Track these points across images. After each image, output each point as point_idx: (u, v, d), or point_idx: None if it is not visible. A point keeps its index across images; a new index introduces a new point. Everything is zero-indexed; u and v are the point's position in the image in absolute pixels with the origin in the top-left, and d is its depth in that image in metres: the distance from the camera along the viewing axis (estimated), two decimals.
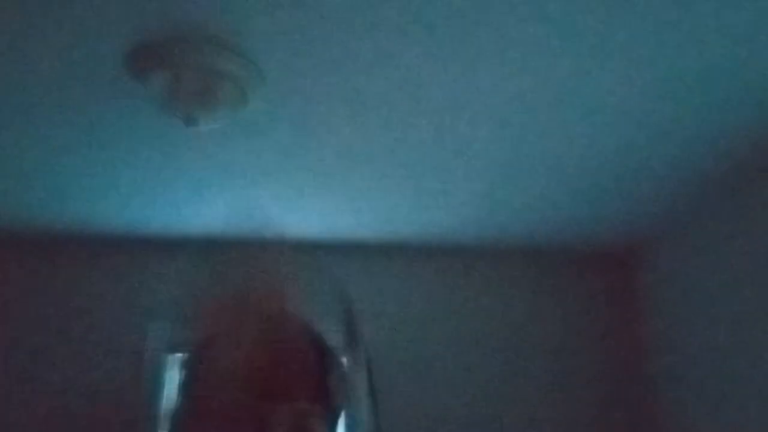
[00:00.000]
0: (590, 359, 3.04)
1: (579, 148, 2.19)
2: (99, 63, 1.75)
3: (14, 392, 2.84)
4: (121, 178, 2.43)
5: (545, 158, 2.26)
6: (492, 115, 2.00)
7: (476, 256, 3.18)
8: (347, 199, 2.59)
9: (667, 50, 1.69)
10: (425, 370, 2.98)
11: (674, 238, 2.78)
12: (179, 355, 2.95)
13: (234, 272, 0.85)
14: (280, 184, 2.47)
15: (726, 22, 1.58)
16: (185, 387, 0.83)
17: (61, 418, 2.81)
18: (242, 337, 0.79)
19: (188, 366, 0.84)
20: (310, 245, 3.09)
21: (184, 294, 3.03)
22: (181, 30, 1.63)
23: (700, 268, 2.58)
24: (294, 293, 0.88)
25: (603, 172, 2.36)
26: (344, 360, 0.86)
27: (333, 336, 0.85)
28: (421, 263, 3.15)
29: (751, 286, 2.28)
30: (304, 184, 2.47)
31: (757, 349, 2.22)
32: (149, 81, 1.74)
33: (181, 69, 1.70)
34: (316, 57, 1.72)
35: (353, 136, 2.13)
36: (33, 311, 2.97)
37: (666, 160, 2.27)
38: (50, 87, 1.87)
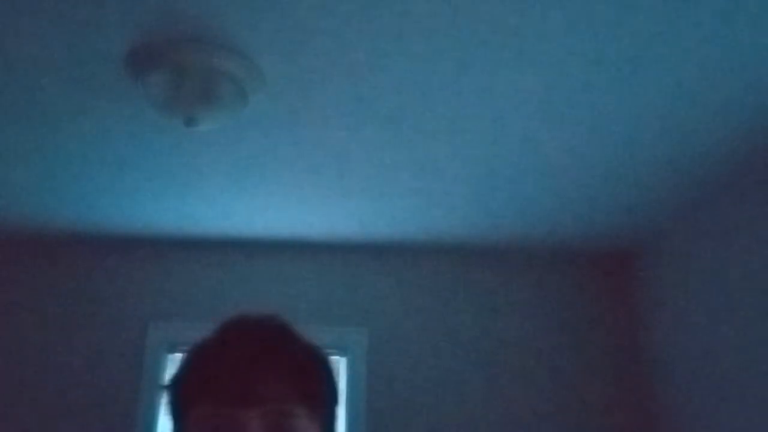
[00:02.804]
0: (590, 359, 3.04)
1: (579, 148, 2.19)
2: (99, 63, 1.75)
3: (14, 391, 2.84)
4: (121, 178, 2.43)
5: (546, 158, 2.26)
6: (492, 116, 2.00)
7: (476, 256, 3.18)
8: (347, 199, 2.59)
9: (667, 51, 1.69)
10: (425, 370, 2.98)
11: (674, 237, 2.78)
12: (179, 355, 2.95)
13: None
14: (280, 184, 2.47)
15: (727, 24, 1.59)
16: (173, 390, 0.82)
17: (60, 417, 2.81)
18: (222, 344, 0.79)
19: (176, 373, 0.83)
20: (310, 245, 3.09)
21: (185, 294, 3.04)
22: (181, 30, 1.63)
23: (700, 267, 2.58)
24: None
25: (603, 172, 2.36)
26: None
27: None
28: (421, 263, 3.15)
29: (750, 286, 2.28)
30: (304, 184, 2.47)
31: (757, 348, 2.22)
32: (149, 81, 1.74)
33: (181, 69, 1.70)
34: (316, 57, 1.72)
35: (353, 136, 2.13)
36: (33, 311, 2.97)
37: (666, 161, 2.27)
38: (50, 87, 1.87)
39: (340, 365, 2.98)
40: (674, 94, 1.88)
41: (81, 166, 2.34)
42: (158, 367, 2.88)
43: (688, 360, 2.63)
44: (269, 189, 2.51)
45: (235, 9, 1.55)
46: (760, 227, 2.24)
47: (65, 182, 2.47)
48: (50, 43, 1.67)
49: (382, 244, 3.08)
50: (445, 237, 2.99)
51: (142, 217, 2.79)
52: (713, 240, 2.50)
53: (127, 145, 2.20)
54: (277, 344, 0.78)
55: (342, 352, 2.98)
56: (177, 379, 0.81)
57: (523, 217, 2.75)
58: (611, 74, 1.79)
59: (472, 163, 2.30)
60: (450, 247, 3.13)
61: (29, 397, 2.83)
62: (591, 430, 2.93)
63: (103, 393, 2.85)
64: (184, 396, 0.78)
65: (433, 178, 2.42)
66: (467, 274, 3.15)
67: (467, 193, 2.53)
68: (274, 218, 2.78)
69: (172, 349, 2.94)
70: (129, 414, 2.82)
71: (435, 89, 1.87)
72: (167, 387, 0.83)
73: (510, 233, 2.94)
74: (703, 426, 2.51)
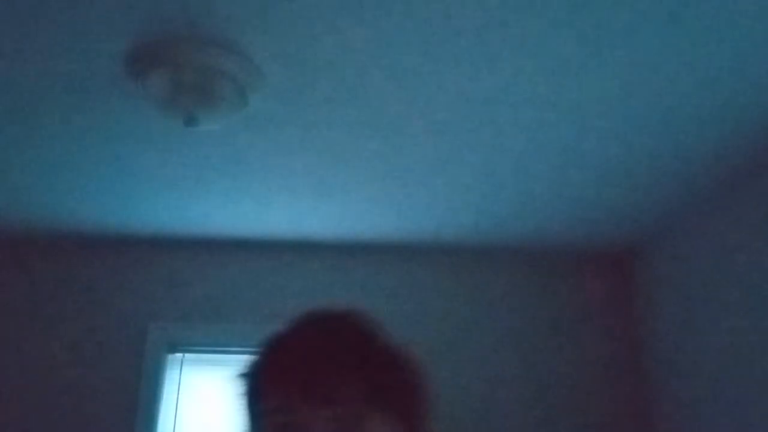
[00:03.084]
0: (589, 359, 3.04)
1: (579, 148, 2.19)
2: (99, 63, 1.75)
3: (14, 391, 2.84)
4: (121, 178, 2.43)
5: (545, 159, 2.26)
6: (492, 116, 2.00)
7: (476, 256, 3.18)
8: (347, 199, 2.59)
9: (667, 52, 1.69)
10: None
11: (674, 238, 2.78)
12: (179, 355, 2.94)
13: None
14: (280, 184, 2.47)
15: (727, 26, 1.58)
16: (247, 382, 0.78)
17: (60, 417, 2.81)
18: (297, 337, 0.75)
19: (251, 364, 0.79)
20: (310, 245, 3.09)
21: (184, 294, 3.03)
22: (181, 30, 1.63)
23: (700, 268, 2.58)
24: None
25: (603, 172, 2.36)
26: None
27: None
28: (421, 263, 3.15)
29: (750, 286, 2.28)
30: (304, 184, 2.47)
31: (757, 348, 2.22)
32: (149, 81, 1.74)
33: (181, 69, 1.70)
34: (316, 57, 1.72)
35: (353, 136, 2.13)
36: (33, 311, 2.97)
37: (666, 161, 2.27)
38: (50, 87, 1.87)
39: None
40: (674, 94, 1.88)
41: (81, 166, 2.34)
42: (158, 367, 2.88)
43: (688, 360, 2.63)
44: (269, 189, 2.51)
45: (235, 9, 1.55)
46: (760, 227, 2.24)
47: (65, 182, 2.47)
48: (50, 42, 1.67)
49: (382, 244, 3.08)
50: (445, 237, 2.99)
51: (142, 217, 2.79)
52: (713, 240, 2.50)
53: (127, 145, 2.20)
54: (355, 343, 0.74)
55: None
56: (251, 370, 0.78)
57: (522, 217, 2.75)
58: (611, 74, 1.79)
59: (472, 164, 2.30)
60: (450, 247, 3.13)
61: (29, 397, 2.83)
62: (591, 429, 2.93)
63: (103, 393, 2.85)
64: (256, 388, 0.75)
65: (433, 179, 2.42)
66: (467, 274, 3.15)
67: (467, 193, 2.53)
68: (274, 218, 2.78)
69: (172, 349, 2.94)
70: (129, 414, 2.82)
71: (435, 89, 1.87)
72: (241, 377, 0.80)
73: (510, 233, 2.94)
74: (703, 426, 2.50)
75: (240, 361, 3.04)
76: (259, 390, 0.74)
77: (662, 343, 2.84)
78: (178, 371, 2.91)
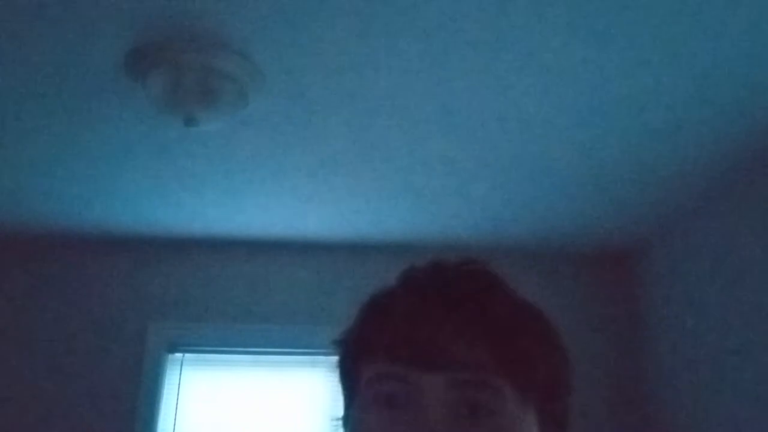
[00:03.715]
0: (590, 359, 3.04)
1: (579, 148, 2.19)
2: (99, 63, 1.75)
3: (14, 391, 2.84)
4: (121, 178, 2.43)
5: (545, 159, 2.26)
6: (492, 116, 2.00)
7: (476, 255, 3.17)
8: (347, 199, 2.59)
9: (666, 50, 1.69)
10: None
11: (674, 238, 2.78)
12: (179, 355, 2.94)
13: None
14: (280, 184, 2.47)
15: (727, 24, 1.58)
16: (345, 345, 0.66)
17: (60, 417, 2.81)
18: (406, 291, 0.64)
19: (350, 325, 0.67)
20: (310, 245, 3.08)
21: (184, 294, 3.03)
22: (181, 30, 1.63)
23: (700, 267, 2.58)
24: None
25: (603, 172, 2.36)
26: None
27: None
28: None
29: (749, 286, 2.28)
30: (304, 184, 2.47)
31: (756, 348, 2.22)
32: (149, 81, 1.74)
33: (181, 69, 1.70)
34: (316, 57, 1.72)
35: (353, 136, 2.13)
36: (33, 311, 2.97)
37: (665, 161, 2.27)
38: (50, 87, 1.87)
39: None
40: (674, 95, 1.88)
41: (81, 166, 2.34)
42: (158, 367, 2.87)
43: (688, 360, 2.63)
44: (269, 189, 2.51)
45: (235, 9, 1.55)
46: (760, 227, 2.24)
47: (65, 182, 2.47)
48: (50, 43, 1.67)
49: (382, 244, 3.08)
50: (445, 237, 2.99)
51: (142, 217, 2.79)
52: (713, 240, 2.50)
53: (127, 145, 2.20)
54: (476, 296, 0.62)
55: None
56: (350, 332, 0.66)
57: (523, 217, 2.75)
58: (612, 75, 1.79)
59: (473, 164, 2.30)
60: (451, 247, 3.12)
61: (29, 397, 2.83)
62: (590, 429, 2.93)
63: (103, 393, 2.85)
64: (357, 351, 0.63)
65: (433, 179, 2.42)
66: None
67: (468, 193, 2.53)
68: (274, 218, 2.78)
69: (172, 349, 2.93)
70: (129, 414, 2.81)
71: (436, 89, 1.87)
72: (338, 342, 0.67)
73: (510, 233, 2.93)
74: (703, 425, 2.50)
75: (240, 362, 3.01)
76: (360, 353, 0.63)
77: (662, 343, 2.84)
78: (178, 371, 2.91)
